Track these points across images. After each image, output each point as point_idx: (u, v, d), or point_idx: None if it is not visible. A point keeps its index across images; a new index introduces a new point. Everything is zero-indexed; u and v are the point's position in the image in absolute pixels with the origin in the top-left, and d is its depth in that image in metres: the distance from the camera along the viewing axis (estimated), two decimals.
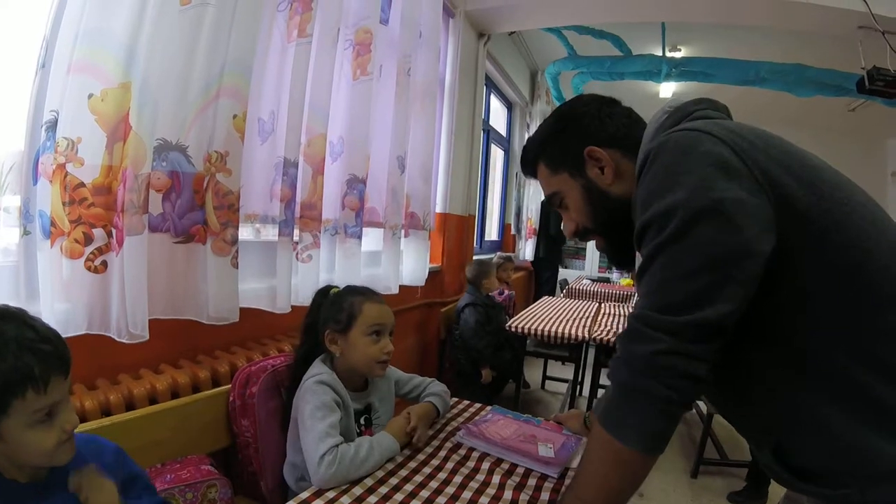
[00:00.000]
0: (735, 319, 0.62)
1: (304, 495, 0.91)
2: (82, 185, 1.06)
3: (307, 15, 1.52)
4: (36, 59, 1.02)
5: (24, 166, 1.02)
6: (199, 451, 1.17)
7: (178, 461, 1.11)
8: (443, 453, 1.10)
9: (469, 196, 3.40)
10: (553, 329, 2.60)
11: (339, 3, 1.69)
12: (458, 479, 0.99)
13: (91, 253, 1.08)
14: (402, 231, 2.31)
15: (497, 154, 4.98)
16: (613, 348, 2.41)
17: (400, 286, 2.30)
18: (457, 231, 3.29)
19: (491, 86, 4.30)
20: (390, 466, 1.02)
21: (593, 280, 5.22)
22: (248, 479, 1.26)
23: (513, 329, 2.68)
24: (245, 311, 1.40)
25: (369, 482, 0.96)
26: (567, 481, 1.00)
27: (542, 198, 5.02)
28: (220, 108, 1.27)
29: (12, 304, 0.69)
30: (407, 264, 2.47)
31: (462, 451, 1.11)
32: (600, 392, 2.69)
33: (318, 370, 1.15)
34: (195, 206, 1.26)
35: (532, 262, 5.23)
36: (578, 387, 3.45)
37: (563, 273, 5.93)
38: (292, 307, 1.58)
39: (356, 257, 1.91)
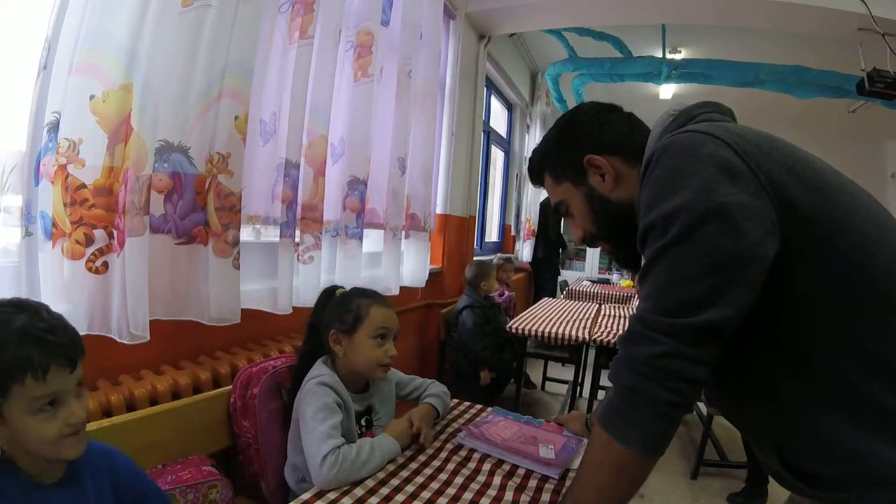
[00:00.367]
0: (737, 323, 0.62)
1: (306, 496, 0.91)
2: (83, 186, 1.06)
3: (309, 16, 1.52)
4: (38, 61, 1.02)
5: (26, 167, 1.02)
6: (200, 451, 1.17)
7: (179, 462, 1.11)
8: (444, 454, 1.10)
9: (469, 197, 3.40)
10: (553, 330, 2.60)
11: (340, 5, 1.69)
12: (459, 480, 0.99)
13: (92, 254, 1.09)
14: (403, 232, 2.31)
15: (497, 155, 4.98)
16: (614, 350, 2.42)
17: (400, 287, 2.30)
18: (457, 232, 3.29)
19: (491, 87, 4.31)
20: (391, 468, 1.02)
21: (593, 281, 5.22)
22: (248, 480, 1.26)
23: (513, 330, 2.68)
24: (246, 312, 1.40)
25: (370, 483, 0.96)
26: (568, 483, 1.00)
27: (541, 199, 5.02)
28: (222, 109, 1.27)
29: None
30: (407, 265, 2.47)
31: (463, 453, 1.11)
32: (600, 394, 2.70)
33: (319, 371, 1.15)
34: (197, 207, 1.27)
35: (531, 264, 5.22)
36: (578, 388, 3.45)
37: (563, 274, 5.93)
38: (293, 308, 1.58)
39: (357, 258, 1.91)
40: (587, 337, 2.54)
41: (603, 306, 3.54)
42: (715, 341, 0.62)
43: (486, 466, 1.05)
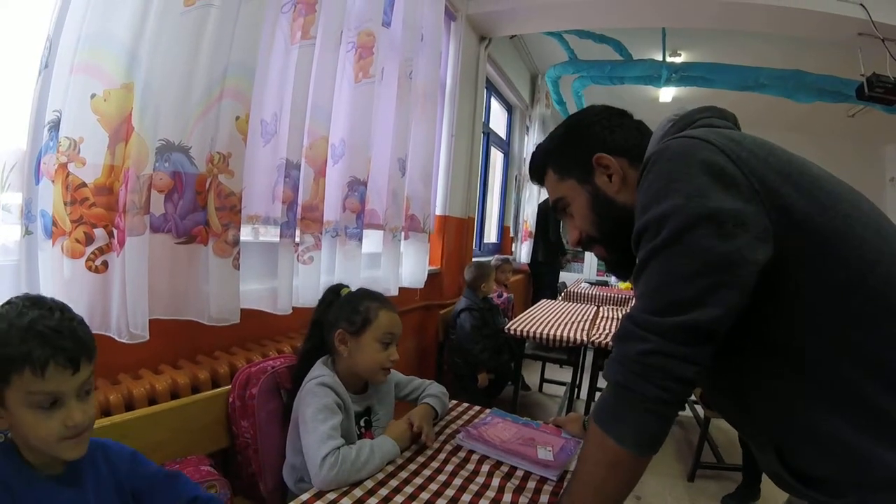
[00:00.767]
0: (727, 325, 0.63)
1: (305, 497, 0.91)
2: (84, 185, 1.06)
3: (310, 17, 1.53)
4: (39, 60, 1.02)
5: (27, 166, 1.02)
6: (199, 451, 1.17)
7: (178, 462, 1.11)
8: (442, 456, 1.10)
9: (469, 198, 3.41)
10: (551, 332, 2.61)
11: (342, 6, 1.69)
12: (457, 481, 1.00)
13: (92, 253, 1.08)
14: (402, 233, 2.31)
15: (497, 157, 4.99)
16: (611, 351, 2.42)
17: (399, 288, 2.30)
18: (456, 233, 3.30)
19: (491, 89, 4.31)
20: (390, 468, 1.03)
21: (592, 283, 5.23)
22: (247, 480, 1.26)
23: (511, 332, 2.68)
24: (245, 312, 1.39)
25: (369, 484, 0.96)
26: (566, 484, 1.00)
27: (540, 201, 5.02)
28: (223, 109, 1.28)
29: None
30: (406, 266, 2.47)
31: (462, 454, 1.11)
32: (598, 395, 2.69)
33: (319, 372, 1.15)
34: (197, 207, 1.27)
35: (530, 266, 5.22)
36: (576, 390, 3.46)
37: (561, 276, 5.93)
38: (293, 309, 1.58)
39: (357, 259, 1.91)
40: (585, 339, 2.54)
41: (601, 308, 3.55)
42: (703, 342, 0.62)
43: (485, 468, 1.05)
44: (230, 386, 1.27)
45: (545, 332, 2.61)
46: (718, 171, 0.63)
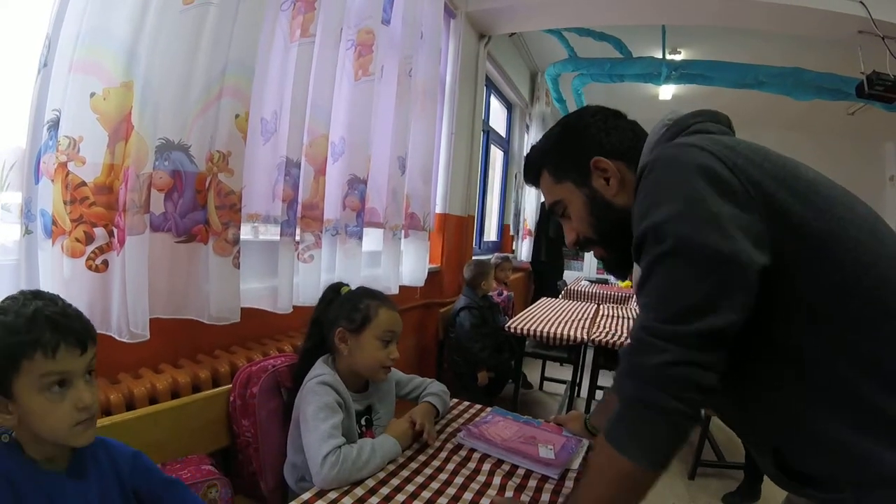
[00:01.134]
0: (740, 327, 0.63)
1: (306, 496, 0.91)
2: (84, 184, 1.06)
3: (310, 15, 1.52)
4: (38, 58, 1.02)
5: (26, 165, 1.02)
6: (200, 450, 1.17)
7: (179, 461, 1.11)
8: (444, 454, 1.10)
9: (468, 197, 3.40)
10: (552, 330, 2.61)
11: (341, 3, 1.69)
12: (458, 480, 1.00)
13: (92, 252, 1.08)
14: (402, 231, 2.31)
15: (496, 155, 4.98)
16: (612, 350, 2.43)
17: (399, 286, 2.30)
18: (456, 231, 3.29)
19: (491, 87, 4.31)
20: (391, 467, 1.03)
21: (592, 281, 5.23)
22: (248, 479, 1.26)
23: (512, 330, 2.68)
24: (245, 311, 1.39)
25: (370, 483, 0.96)
26: (567, 483, 1.00)
27: (542, 199, 5.01)
28: (223, 107, 1.27)
29: None
30: (406, 265, 2.47)
31: (463, 453, 1.11)
32: (598, 394, 2.69)
33: (320, 371, 1.15)
34: (197, 205, 1.26)
35: (532, 265, 5.21)
36: (577, 388, 3.46)
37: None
38: (293, 307, 1.57)
39: (357, 257, 1.91)
40: (585, 337, 2.55)
41: (601, 306, 3.55)
42: (720, 346, 0.62)
43: (486, 466, 1.05)
44: (231, 385, 1.27)
45: (545, 330, 2.62)
46: (715, 178, 0.64)
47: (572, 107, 5.00)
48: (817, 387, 0.64)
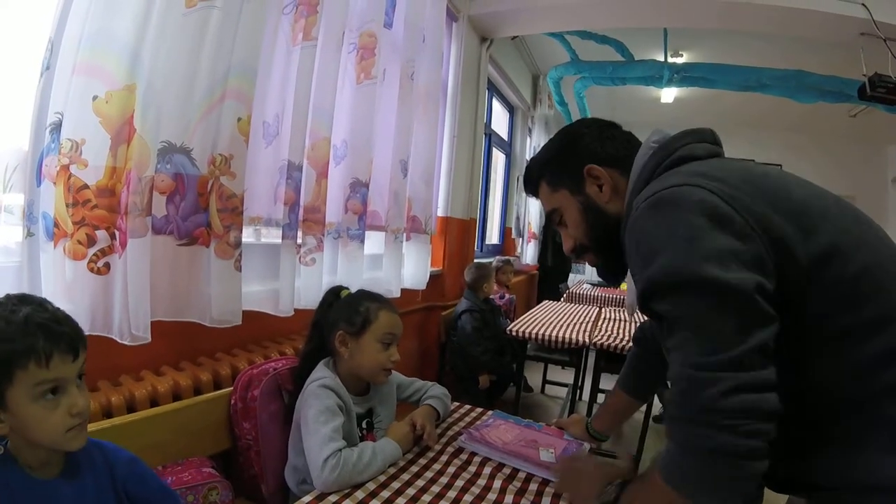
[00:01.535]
0: (774, 341, 0.62)
1: (307, 499, 0.91)
2: (86, 186, 1.06)
3: (312, 18, 1.52)
4: (41, 61, 1.02)
5: (29, 168, 1.02)
6: (201, 453, 1.17)
7: (179, 464, 1.11)
8: (444, 458, 1.10)
9: (470, 200, 3.40)
10: (553, 333, 2.60)
11: (343, 7, 1.69)
12: (459, 483, 0.99)
13: (94, 254, 1.08)
14: (404, 234, 2.31)
15: (499, 158, 4.99)
16: (614, 353, 2.42)
17: (401, 289, 2.30)
18: (458, 234, 3.29)
19: (493, 90, 4.31)
20: (392, 471, 1.02)
21: (594, 285, 5.21)
22: (248, 482, 1.26)
23: (513, 333, 2.67)
24: (247, 314, 1.39)
25: (371, 486, 0.96)
26: None
27: None
28: (225, 110, 1.27)
29: None
30: (408, 268, 2.47)
31: (464, 456, 1.11)
32: (600, 397, 2.68)
33: (321, 374, 1.15)
34: (199, 208, 1.26)
35: (539, 270, 5.21)
36: (578, 391, 3.44)
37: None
38: (295, 310, 1.57)
39: (359, 260, 1.91)
40: (587, 340, 2.54)
41: (603, 309, 3.54)
42: (769, 361, 0.61)
43: (487, 470, 1.05)
44: (232, 388, 1.27)
45: (547, 333, 2.61)
46: (714, 212, 0.65)
47: (574, 110, 5.01)
48: (820, 392, 0.66)
